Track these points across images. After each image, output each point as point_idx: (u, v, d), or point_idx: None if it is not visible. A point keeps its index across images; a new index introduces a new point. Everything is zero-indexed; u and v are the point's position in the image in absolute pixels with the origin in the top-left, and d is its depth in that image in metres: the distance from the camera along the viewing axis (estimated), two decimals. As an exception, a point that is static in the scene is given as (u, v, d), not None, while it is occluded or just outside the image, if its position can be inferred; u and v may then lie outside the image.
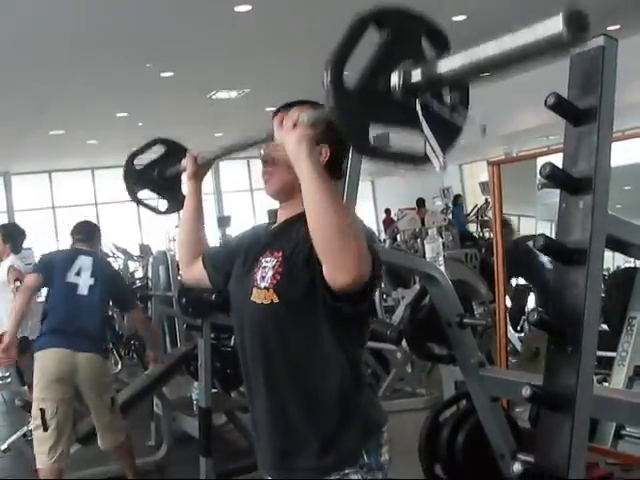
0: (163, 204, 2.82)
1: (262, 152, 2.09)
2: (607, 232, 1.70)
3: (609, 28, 9.67)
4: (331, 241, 1.70)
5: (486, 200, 13.90)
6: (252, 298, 2.01)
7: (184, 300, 4.85)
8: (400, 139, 1.49)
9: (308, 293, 1.90)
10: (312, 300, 1.90)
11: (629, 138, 4.36)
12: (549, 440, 1.70)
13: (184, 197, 2.55)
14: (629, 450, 3.74)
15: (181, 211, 2.58)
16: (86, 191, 19.31)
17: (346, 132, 1.41)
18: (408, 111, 1.38)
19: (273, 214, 2.27)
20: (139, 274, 10.90)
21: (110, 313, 9.46)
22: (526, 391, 1.65)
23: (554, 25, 1.03)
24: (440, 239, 5.24)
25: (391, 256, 3.93)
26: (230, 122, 14.09)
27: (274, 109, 2.11)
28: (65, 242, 16.26)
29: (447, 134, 1.44)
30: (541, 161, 4.17)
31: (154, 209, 2.81)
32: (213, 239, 14.44)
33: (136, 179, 2.72)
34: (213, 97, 12.17)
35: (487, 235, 12.64)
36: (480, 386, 2.99)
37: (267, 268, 2.00)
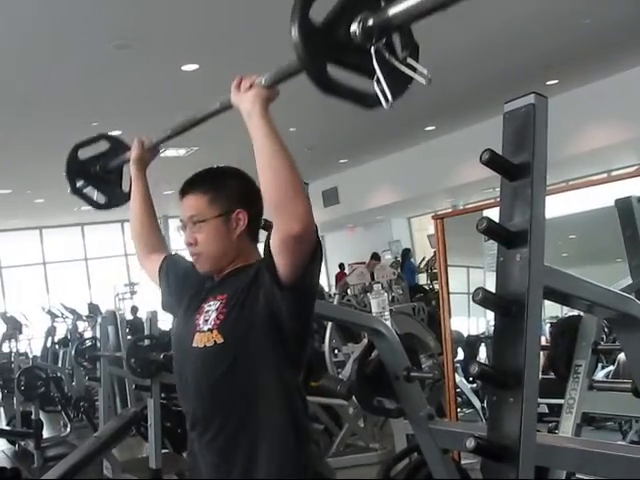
0: (101, 199, 2.83)
1: (182, 234, 2.11)
2: (544, 284, 1.73)
3: (547, 83, 9.94)
4: (285, 193, 1.79)
5: (435, 252, 14.05)
6: (194, 344, 1.99)
7: (133, 360, 4.81)
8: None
9: (254, 326, 1.92)
10: (258, 334, 1.91)
11: (573, 189, 4.45)
12: (495, 492, 1.71)
13: (123, 193, 2.59)
14: (580, 498, 3.75)
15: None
16: (34, 250, 19.05)
17: (308, 66, 1.54)
18: (365, 59, 1.55)
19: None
20: (88, 334, 10.75)
21: (58, 374, 9.31)
22: (470, 443, 1.66)
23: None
24: (385, 294, 5.27)
25: (336, 311, 3.94)
26: (179, 180, 13.99)
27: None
28: (11, 303, 15.89)
29: (398, 83, 1.61)
30: (487, 213, 4.24)
31: (92, 202, 2.82)
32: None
33: (78, 171, 2.74)
34: (161, 155, 12.12)
35: (437, 287, 12.74)
36: (430, 439, 3.00)
37: (210, 311, 2.00)
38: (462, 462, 4.08)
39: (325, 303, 5.08)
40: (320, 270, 1.96)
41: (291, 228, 1.78)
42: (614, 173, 11.38)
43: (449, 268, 4.70)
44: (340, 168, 15.80)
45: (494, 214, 1.81)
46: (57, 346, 11.36)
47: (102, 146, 2.88)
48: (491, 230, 1.74)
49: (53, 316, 12.15)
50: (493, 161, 1.76)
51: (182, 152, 12.11)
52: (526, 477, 1.69)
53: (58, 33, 6.50)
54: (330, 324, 6.29)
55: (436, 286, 13.18)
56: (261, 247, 2.05)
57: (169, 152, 12.04)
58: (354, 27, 1.51)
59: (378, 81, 1.56)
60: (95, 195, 2.83)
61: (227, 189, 2.10)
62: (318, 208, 15.96)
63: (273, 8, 7.00)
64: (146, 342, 5.24)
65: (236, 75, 2.01)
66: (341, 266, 18.95)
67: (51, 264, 19.08)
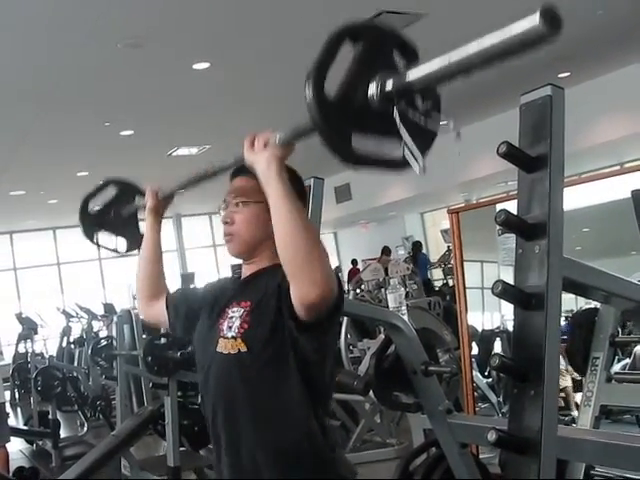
0: (122, 244, 2.82)
1: (222, 213, 2.10)
2: (563, 275, 1.73)
3: (560, 75, 9.89)
4: (300, 259, 1.72)
5: (448, 247, 14.02)
6: (218, 349, 1.99)
7: (149, 359, 4.81)
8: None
9: (277, 340, 1.89)
10: (281, 348, 1.89)
11: (585, 182, 4.43)
12: (517, 484, 1.71)
13: (142, 235, 2.56)
14: (600, 491, 3.74)
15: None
16: (48, 251, 19.09)
17: (329, 140, 1.46)
18: (386, 120, 1.46)
19: (237, 268, 2.28)
20: (103, 333, 10.79)
21: (74, 374, 9.35)
22: (491, 436, 1.66)
23: (531, 20, 1.11)
24: (402, 288, 5.25)
25: (354, 307, 3.94)
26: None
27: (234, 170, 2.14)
28: (27, 304, 15.89)
29: (424, 139, 1.53)
30: (500, 207, 4.22)
31: (114, 250, 2.80)
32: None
33: (93, 222, 2.73)
34: (173, 154, 12.18)
35: (451, 282, 12.71)
36: (448, 433, 3.00)
37: (234, 318, 1.98)
38: (480, 456, 4.07)
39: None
40: (340, 313, 1.93)
41: (308, 295, 1.72)
42: (627, 165, 11.32)
43: (464, 263, 4.70)
44: (352, 164, 15.77)
45: (508, 208, 1.81)
46: (73, 346, 11.41)
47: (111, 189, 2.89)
48: (509, 222, 1.73)
49: (68, 316, 12.20)
50: (510, 153, 1.75)
51: (194, 151, 12.12)
52: (548, 469, 1.69)
53: (70, 34, 6.51)
54: (346, 320, 6.28)
55: (450, 281, 13.16)
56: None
57: (181, 151, 12.06)
58: (372, 90, 1.43)
59: (406, 145, 1.48)
60: (115, 241, 2.82)
61: None
62: (331, 204, 15.95)
63: (285, 6, 7.03)
64: (162, 340, 5.25)
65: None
66: (354, 262, 18.92)
67: (65, 264, 19.12)
